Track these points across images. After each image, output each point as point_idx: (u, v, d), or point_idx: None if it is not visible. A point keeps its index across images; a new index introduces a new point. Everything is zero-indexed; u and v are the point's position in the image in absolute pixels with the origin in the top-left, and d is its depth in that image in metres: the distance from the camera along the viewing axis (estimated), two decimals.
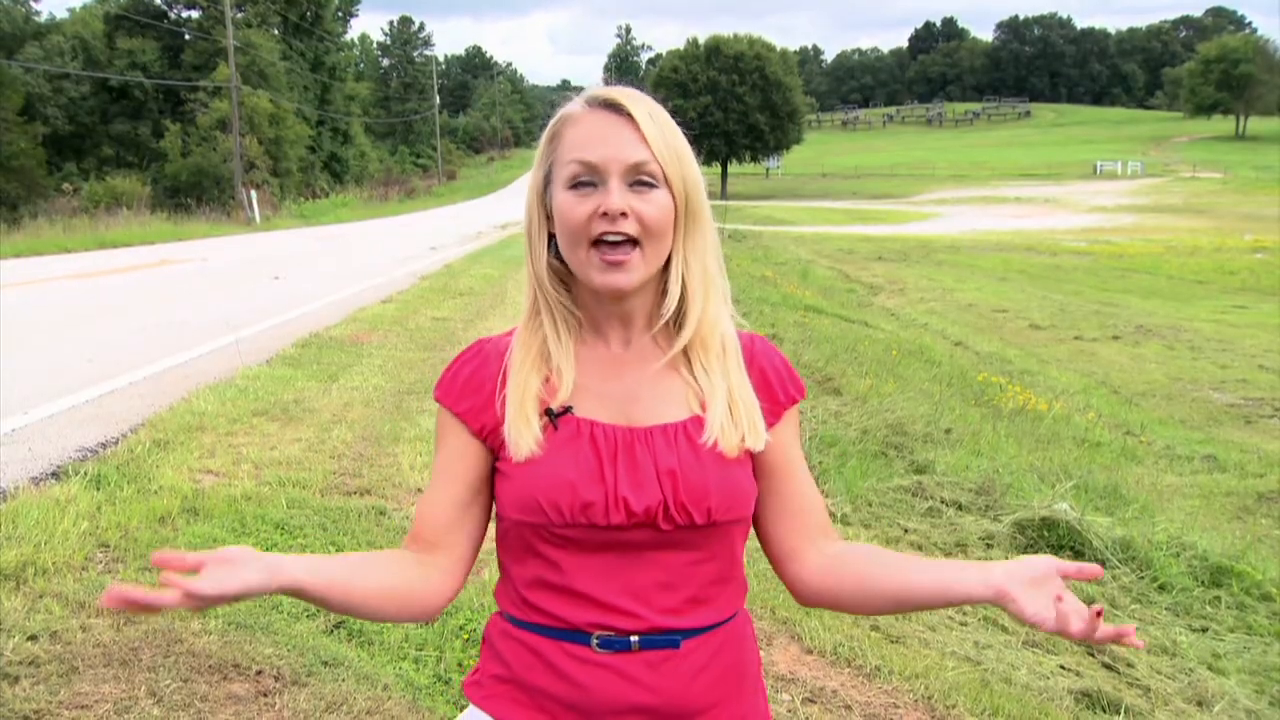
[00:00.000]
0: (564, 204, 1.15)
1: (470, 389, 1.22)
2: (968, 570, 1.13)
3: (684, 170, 1.16)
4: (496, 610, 1.26)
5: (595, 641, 1.14)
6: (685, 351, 1.20)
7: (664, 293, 1.19)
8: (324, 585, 1.11)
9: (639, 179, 1.13)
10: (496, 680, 1.21)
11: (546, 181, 1.19)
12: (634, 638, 1.14)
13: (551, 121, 1.19)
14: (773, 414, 1.23)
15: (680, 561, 1.16)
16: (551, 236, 1.20)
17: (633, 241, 1.13)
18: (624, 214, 1.12)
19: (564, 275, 1.21)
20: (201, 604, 1.01)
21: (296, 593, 1.09)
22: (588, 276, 1.15)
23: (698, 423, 1.17)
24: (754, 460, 1.21)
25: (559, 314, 1.21)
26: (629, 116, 1.14)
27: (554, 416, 1.17)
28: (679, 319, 1.20)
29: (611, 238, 1.12)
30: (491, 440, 1.20)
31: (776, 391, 1.24)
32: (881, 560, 1.22)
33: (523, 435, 1.16)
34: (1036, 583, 1.06)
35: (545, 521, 1.14)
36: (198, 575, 1.01)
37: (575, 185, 1.14)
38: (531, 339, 1.21)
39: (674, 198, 1.15)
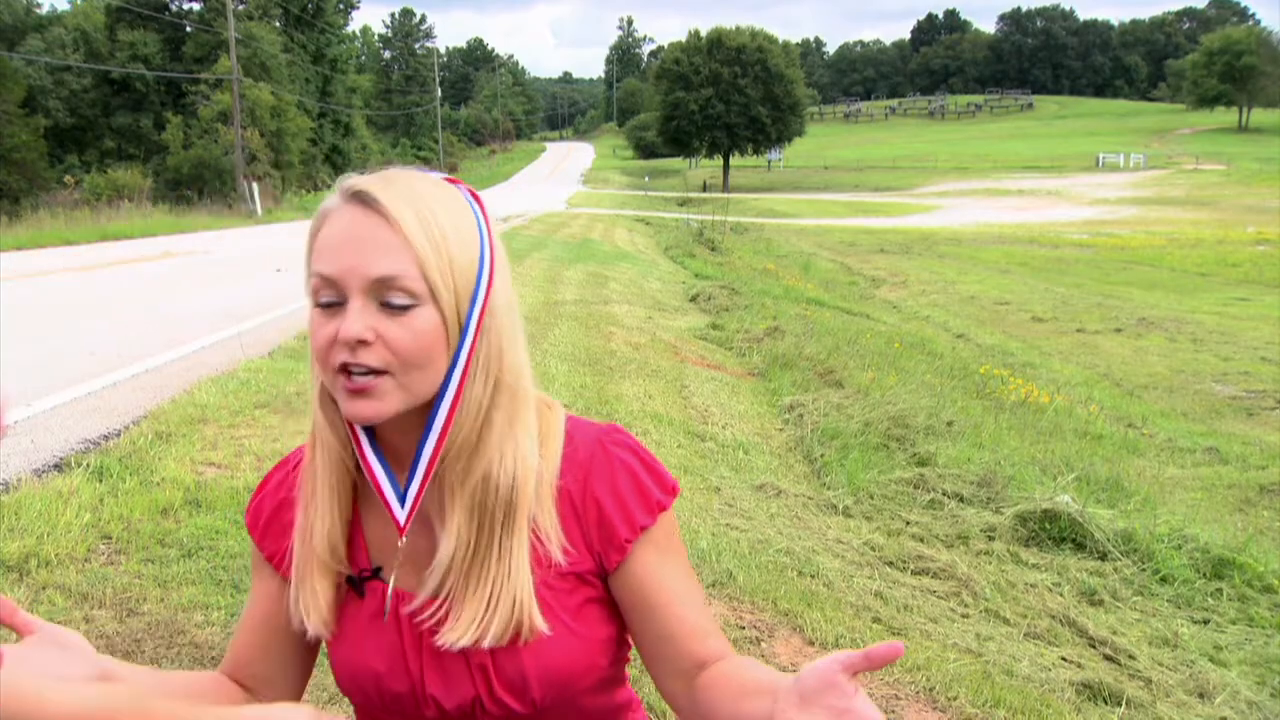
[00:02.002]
0: (310, 323, 0.94)
1: (274, 530, 1.05)
2: (763, 701, 0.89)
3: (459, 279, 0.92)
4: None
5: None
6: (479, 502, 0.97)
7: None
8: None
9: (388, 299, 0.90)
10: None
11: None
12: None
13: (315, 216, 0.96)
14: (617, 551, 1.01)
15: None
16: None
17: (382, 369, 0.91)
18: (364, 342, 0.89)
19: None
20: None
21: None
22: (340, 404, 0.94)
23: None
24: (615, 597, 1.03)
25: (326, 447, 0.99)
26: (382, 213, 0.90)
27: (357, 584, 1.02)
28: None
29: (354, 369, 0.91)
30: None
31: (617, 529, 1.00)
32: (718, 696, 0.97)
33: (309, 614, 1.00)
34: (808, 700, 0.83)
35: (360, 702, 1.05)
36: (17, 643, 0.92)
37: (318, 302, 0.93)
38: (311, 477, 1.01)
39: (443, 315, 0.91)
